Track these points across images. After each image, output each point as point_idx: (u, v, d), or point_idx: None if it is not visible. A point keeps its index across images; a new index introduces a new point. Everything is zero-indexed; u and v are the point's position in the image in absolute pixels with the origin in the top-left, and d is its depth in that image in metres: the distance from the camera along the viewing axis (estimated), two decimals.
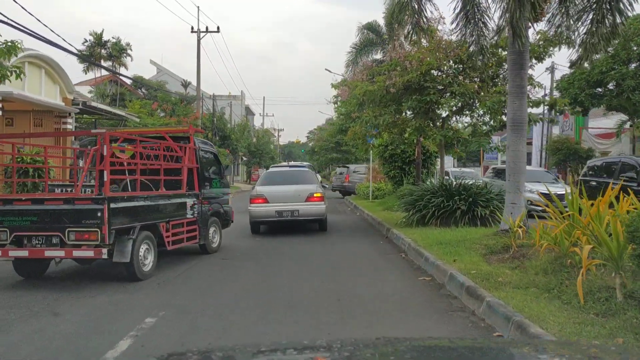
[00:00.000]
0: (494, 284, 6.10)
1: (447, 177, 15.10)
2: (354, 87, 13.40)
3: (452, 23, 10.01)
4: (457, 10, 9.17)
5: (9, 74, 9.07)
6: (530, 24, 8.92)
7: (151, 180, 8.48)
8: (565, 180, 32.78)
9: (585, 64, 23.68)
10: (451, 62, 13.33)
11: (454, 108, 12.21)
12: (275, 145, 76.78)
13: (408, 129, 14.95)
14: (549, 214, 7.07)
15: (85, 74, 40.73)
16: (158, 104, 37.02)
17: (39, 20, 16.88)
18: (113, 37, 40.14)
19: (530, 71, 13.24)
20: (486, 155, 47.08)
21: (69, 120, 21.65)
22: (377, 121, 12.82)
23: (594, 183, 12.25)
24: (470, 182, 12.47)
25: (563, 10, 8.95)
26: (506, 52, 13.18)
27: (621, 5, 8.08)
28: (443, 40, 13.23)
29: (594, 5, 8.23)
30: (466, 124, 14.81)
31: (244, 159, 58.25)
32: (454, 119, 13.78)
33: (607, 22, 8.05)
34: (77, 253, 6.82)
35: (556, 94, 25.46)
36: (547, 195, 7.77)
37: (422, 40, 13.71)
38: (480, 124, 13.22)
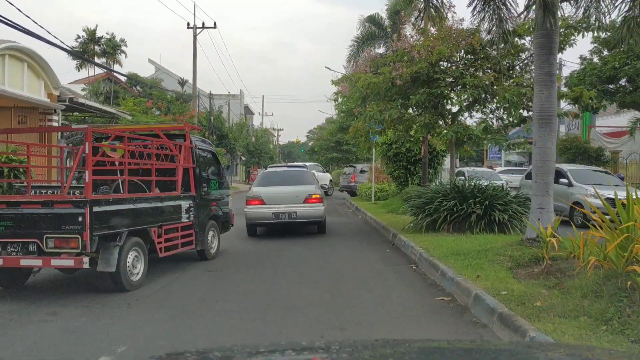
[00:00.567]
0: (533, 310, 4.97)
1: (462, 178, 13.96)
2: (356, 79, 12.26)
3: (468, 5, 8.90)
4: None
5: None
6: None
7: (144, 181, 7.89)
8: None
9: (596, 59, 22.71)
10: (462, 52, 12.21)
11: (466, 102, 11.06)
12: (274, 145, 75.65)
13: (415, 126, 13.84)
14: (595, 222, 5.91)
15: (78, 71, 39.66)
16: (153, 102, 35.90)
17: (23, 13, 15.75)
18: (107, 33, 39.04)
19: None
20: (489, 155, 45.92)
21: (55, 117, 20.52)
22: (381, 116, 11.69)
23: None
24: (486, 183, 11.32)
25: None
26: (523, 41, 12.17)
27: None
28: (454, 29, 12.11)
29: None
30: (477, 120, 13.66)
31: (243, 158, 57.16)
32: (465, 114, 12.63)
33: None
34: (55, 262, 6.20)
35: (564, 89, 24.38)
36: (612, 201, 6.44)
37: (431, 28, 12.64)
38: (494, 119, 12.08)
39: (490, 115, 12.23)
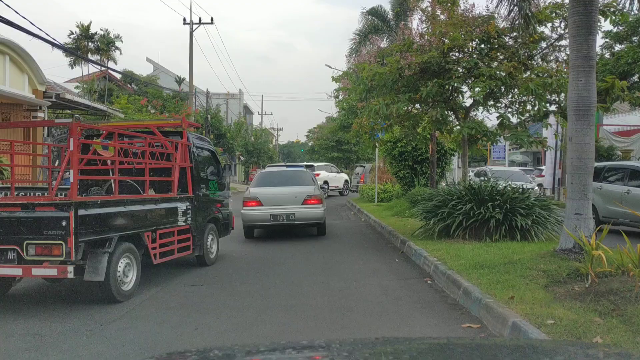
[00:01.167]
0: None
1: (483, 178, 12.85)
2: (360, 69, 11.15)
3: None
4: None
5: None
6: None
7: (138, 181, 7.41)
8: None
9: (607, 55, 21.62)
10: (477, 41, 11.10)
11: (481, 95, 9.94)
12: (274, 145, 74.53)
13: (424, 121, 12.75)
14: None
15: (72, 68, 38.57)
16: (147, 100, 34.80)
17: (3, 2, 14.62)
18: (101, 29, 37.94)
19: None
20: (493, 155, 44.65)
21: (40, 114, 19.43)
22: (388, 111, 10.58)
23: None
24: (516, 185, 10.21)
25: None
26: (543, 29, 11.08)
27: None
28: (467, 15, 11.01)
29: None
30: (488, 116, 12.54)
31: (242, 158, 56.09)
32: (479, 109, 11.51)
33: None
34: (37, 271, 5.62)
35: None
36: None
37: (441, 15, 11.55)
38: (513, 113, 10.96)
39: (509, 109, 11.09)
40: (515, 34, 11.12)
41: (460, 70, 10.82)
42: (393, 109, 10.46)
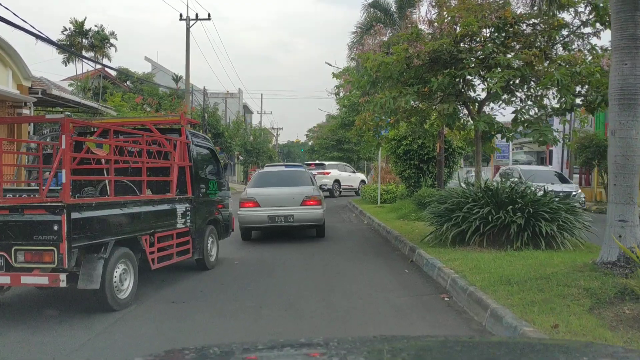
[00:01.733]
0: None
1: (512, 178, 11.82)
2: (364, 59, 10.16)
3: None
4: None
5: None
6: None
7: (135, 181, 7.08)
8: (590, 181, 29.62)
9: None
10: (492, 29, 10.11)
11: (499, 87, 8.94)
12: (274, 144, 73.55)
13: (432, 117, 11.78)
14: None
15: (66, 65, 37.55)
16: (143, 98, 33.84)
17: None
18: (96, 25, 36.92)
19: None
20: (497, 155, 43.52)
21: (25, 111, 18.47)
22: (395, 104, 9.60)
23: None
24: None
25: None
26: (564, 14, 10.09)
27: None
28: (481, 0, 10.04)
29: None
30: (500, 110, 11.53)
31: (240, 158, 55.14)
32: (493, 103, 10.51)
33: None
34: (26, 279, 5.28)
35: None
36: None
37: (452, 0, 10.57)
38: (533, 107, 9.94)
39: (528, 103, 10.08)
40: (534, 20, 10.16)
41: (474, 60, 9.84)
42: (401, 102, 9.48)
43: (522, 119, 10.45)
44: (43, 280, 5.21)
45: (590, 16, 9.53)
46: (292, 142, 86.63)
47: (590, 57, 9.68)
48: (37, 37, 16.25)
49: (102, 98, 33.20)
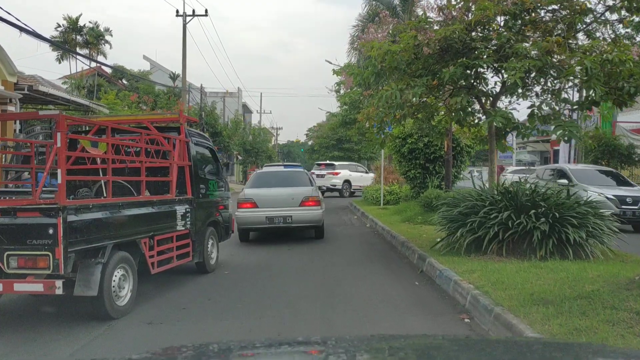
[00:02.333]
0: None
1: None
2: (369, 48, 9.27)
3: None
4: None
5: None
6: None
7: (132, 182, 6.80)
8: None
9: None
10: (507, 17, 9.24)
11: (518, 77, 8.05)
12: (273, 144, 72.66)
13: (440, 112, 10.93)
14: None
15: (59, 63, 36.65)
16: (138, 96, 32.95)
17: None
18: (90, 22, 36.01)
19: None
20: (500, 155, 42.45)
21: (11, 107, 17.68)
22: (402, 97, 8.72)
23: None
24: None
25: None
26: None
27: None
28: None
29: None
30: (517, 105, 10.62)
31: (239, 157, 54.26)
32: (507, 97, 9.61)
33: None
34: (20, 287, 5.04)
35: None
36: None
37: None
38: (552, 101, 9.06)
39: (546, 96, 9.19)
40: (553, 6, 9.28)
41: (489, 49, 8.97)
42: (408, 95, 8.61)
43: (540, 114, 9.58)
44: (37, 287, 4.95)
45: (617, 1, 8.65)
46: (292, 141, 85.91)
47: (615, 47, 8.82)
48: (22, 29, 15.38)
49: (96, 96, 32.34)
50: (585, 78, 7.51)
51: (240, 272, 8.22)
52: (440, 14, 9.56)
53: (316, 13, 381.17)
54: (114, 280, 5.52)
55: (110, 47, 38.33)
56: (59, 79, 34.36)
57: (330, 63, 29.40)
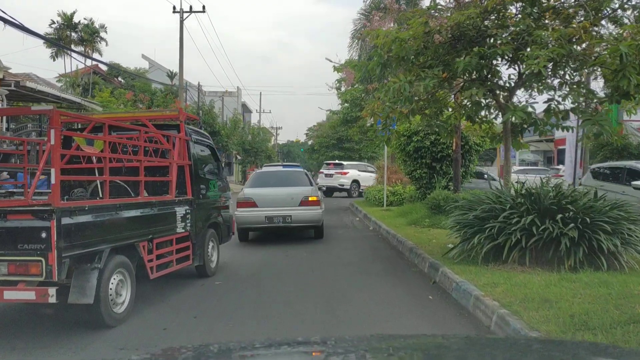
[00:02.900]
0: None
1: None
2: (374, 36, 8.47)
3: None
4: None
5: None
6: None
7: (128, 182, 6.50)
8: None
9: None
10: (524, 4, 8.45)
11: (542, 66, 7.26)
12: (273, 144, 71.85)
13: (450, 107, 10.15)
14: None
15: (54, 60, 35.85)
16: (134, 94, 32.18)
17: None
18: (85, 18, 35.19)
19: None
20: (502, 154, 41.62)
21: None
22: (412, 90, 7.93)
23: None
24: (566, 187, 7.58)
25: None
26: None
27: None
28: None
29: None
30: (532, 99, 9.80)
31: (238, 157, 53.49)
32: (532, 88, 8.78)
33: None
34: (10, 295, 4.66)
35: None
36: None
37: None
38: (574, 94, 8.25)
39: (566, 89, 8.38)
40: None
41: (506, 37, 8.17)
42: (419, 87, 7.81)
43: (557, 109, 8.79)
44: (29, 295, 4.65)
45: None
46: (291, 141, 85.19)
47: None
48: (5, 21, 14.59)
49: (92, 94, 31.56)
50: (619, 66, 6.69)
51: (237, 278, 7.47)
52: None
53: (316, 13, 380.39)
54: (111, 287, 5.22)
55: (106, 44, 37.62)
56: (56, 77, 33.63)
57: (331, 61, 28.65)
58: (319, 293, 6.66)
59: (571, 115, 9.03)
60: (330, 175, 25.62)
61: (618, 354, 1.81)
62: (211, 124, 37.19)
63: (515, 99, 9.79)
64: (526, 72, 8.22)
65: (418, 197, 14.76)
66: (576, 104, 8.54)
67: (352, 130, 26.59)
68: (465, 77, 9.30)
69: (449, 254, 7.64)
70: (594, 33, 8.51)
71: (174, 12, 32.10)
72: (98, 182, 6.41)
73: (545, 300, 4.96)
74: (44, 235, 4.55)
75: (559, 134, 22.85)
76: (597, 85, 10.05)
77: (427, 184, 14.46)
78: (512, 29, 8.23)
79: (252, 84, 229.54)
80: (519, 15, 8.49)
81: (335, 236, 12.17)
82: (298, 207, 11.00)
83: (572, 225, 6.47)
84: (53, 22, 34.75)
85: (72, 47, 34.26)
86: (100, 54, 36.19)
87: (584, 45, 8.29)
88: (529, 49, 7.86)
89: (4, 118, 18.29)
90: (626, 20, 8.51)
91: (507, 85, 9.09)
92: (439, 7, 8.78)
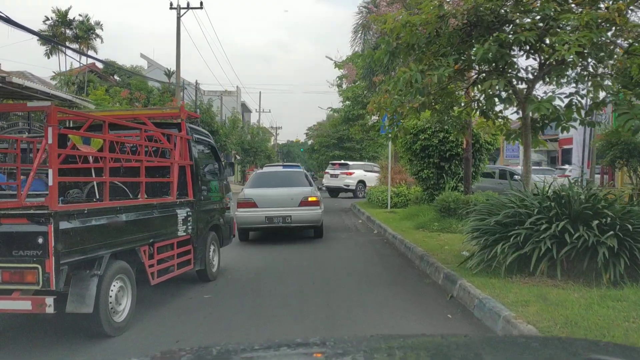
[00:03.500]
0: None
1: None
2: (381, 22, 7.67)
3: None
4: None
5: None
6: None
7: (126, 183, 6.34)
8: (614, 180, 27.18)
9: None
10: None
11: (573, 53, 6.47)
12: (273, 144, 71.07)
13: (461, 101, 9.39)
14: None
15: (48, 58, 35.04)
16: (130, 92, 31.34)
17: None
18: (80, 15, 34.36)
19: None
20: (506, 153, 40.68)
21: None
22: (424, 80, 7.12)
23: None
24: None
25: None
26: None
27: None
28: None
29: None
30: (550, 93, 8.99)
31: (238, 157, 52.69)
32: (557, 78, 7.96)
33: None
34: (4, 304, 4.38)
35: None
36: None
37: None
38: (610, 81, 7.45)
39: (598, 80, 7.59)
40: None
41: (529, 22, 7.38)
42: (433, 77, 6.99)
43: (580, 104, 8.01)
44: (25, 305, 4.39)
45: None
46: (291, 141, 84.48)
47: None
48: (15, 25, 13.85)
49: (86, 92, 30.76)
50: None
51: (221, 296, 6.64)
52: None
53: (316, 13, 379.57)
54: (111, 294, 4.96)
55: (102, 42, 36.76)
56: (51, 76, 32.85)
57: (331, 59, 27.92)
58: (322, 307, 5.85)
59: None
60: (336, 176, 25.23)
61: (617, 351, 1.80)
62: (209, 123, 36.42)
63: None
64: (552, 60, 7.41)
65: (425, 199, 13.94)
66: (611, 97, 7.75)
67: (354, 129, 25.80)
68: (479, 69, 8.53)
69: (467, 263, 6.82)
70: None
71: (170, 8, 31.45)
72: (95, 183, 6.19)
73: (593, 326, 4.15)
74: (40, 240, 4.30)
75: (564, 134, 21.87)
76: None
77: (435, 184, 13.64)
78: (535, 14, 7.44)
79: (252, 83, 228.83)
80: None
81: (338, 241, 11.39)
82: (298, 208, 11.08)
83: (610, 232, 5.66)
84: (47, 19, 33.99)
85: (67, 44, 33.45)
86: (96, 51, 35.44)
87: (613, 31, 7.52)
88: (553, 38, 7.06)
89: None
90: None
91: (527, 77, 8.28)
92: None
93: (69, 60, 34.82)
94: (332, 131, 35.78)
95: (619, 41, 7.71)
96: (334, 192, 25.93)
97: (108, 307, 4.89)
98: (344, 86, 24.90)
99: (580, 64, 7.77)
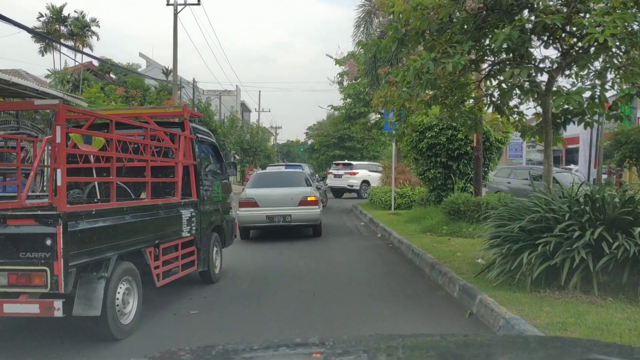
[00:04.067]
0: None
1: None
2: (388, 6, 6.94)
3: None
4: None
5: None
6: None
7: (129, 183, 6.21)
8: (621, 184, 26.43)
9: None
10: None
11: (606, 35, 5.76)
12: (273, 144, 70.38)
13: (472, 94, 8.70)
14: None
15: (43, 55, 34.24)
16: (126, 90, 30.63)
17: None
18: (75, 11, 33.64)
19: None
20: (509, 153, 39.84)
21: None
22: (436, 70, 6.39)
23: None
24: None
25: None
26: None
27: None
28: None
29: None
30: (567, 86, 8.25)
31: (237, 157, 52.00)
32: (583, 68, 7.23)
33: None
34: (11, 308, 4.29)
35: None
36: None
37: None
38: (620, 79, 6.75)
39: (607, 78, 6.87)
40: None
41: (551, 6, 6.66)
42: (448, 65, 6.24)
43: (604, 97, 7.28)
44: (32, 308, 4.33)
45: None
46: (291, 141, 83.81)
47: None
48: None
49: (80, 90, 30.04)
50: None
51: (211, 314, 5.92)
52: None
53: (316, 13, 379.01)
54: (118, 296, 4.90)
55: (98, 39, 35.96)
56: (48, 77, 32.14)
57: (331, 57, 27.07)
58: (323, 325, 5.12)
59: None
60: (339, 176, 24.70)
61: (617, 351, 1.78)
62: (207, 122, 35.70)
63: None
64: (576, 49, 6.68)
65: (432, 200, 13.19)
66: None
67: (355, 127, 25.07)
68: (494, 59, 7.79)
69: (485, 274, 6.08)
70: None
71: (167, 4, 30.72)
72: (96, 183, 6.16)
73: None
74: (48, 242, 4.23)
75: (568, 132, 20.77)
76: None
77: (442, 185, 12.89)
78: None
79: (252, 83, 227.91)
80: None
81: (341, 246, 10.67)
82: (297, 207, 11.37)
83: None
84: (41, 16, 33.22)
85: (62, 41, 32.71)
86: (91, 49, 34.65)
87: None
88: (584, 20, 6.33)
89: None
90: None
91: (549, 67, 7.54)
92: None
93: (64, 58, 34.04)
94: (333, 130, 35.05)
95: None
96: (337, 192, 25.31)
97: (115, 309, 4.83)
98: (345, 83, 24.19)
99: (616, 49, 7.03)
